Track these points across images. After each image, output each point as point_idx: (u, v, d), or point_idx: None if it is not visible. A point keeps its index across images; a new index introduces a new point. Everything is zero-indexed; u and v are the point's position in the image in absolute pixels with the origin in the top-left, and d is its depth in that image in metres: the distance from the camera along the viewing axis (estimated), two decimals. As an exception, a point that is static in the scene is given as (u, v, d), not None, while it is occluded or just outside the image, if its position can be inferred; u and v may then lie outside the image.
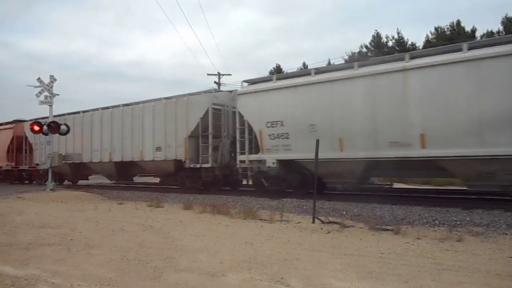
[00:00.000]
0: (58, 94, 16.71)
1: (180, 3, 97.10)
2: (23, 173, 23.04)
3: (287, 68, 41.49)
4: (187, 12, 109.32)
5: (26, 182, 23.09)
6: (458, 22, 30.52)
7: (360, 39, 73.51)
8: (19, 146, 22.46)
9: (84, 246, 6.03)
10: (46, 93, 16.43)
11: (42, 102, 16.49)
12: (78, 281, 4.33)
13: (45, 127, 16.09)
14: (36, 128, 16.35)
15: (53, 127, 16.04)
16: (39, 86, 16.36)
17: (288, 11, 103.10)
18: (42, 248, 5.96)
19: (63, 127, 16.49)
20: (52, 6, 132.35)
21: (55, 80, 16.63)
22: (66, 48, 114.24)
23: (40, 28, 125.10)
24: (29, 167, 21.66)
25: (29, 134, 20.45)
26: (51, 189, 15.74)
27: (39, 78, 16.38)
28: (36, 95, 16.40)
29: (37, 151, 20.66)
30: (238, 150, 13.16)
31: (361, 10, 79.18)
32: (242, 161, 13.03)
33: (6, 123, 24.14)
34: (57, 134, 16.67)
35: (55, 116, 17.90)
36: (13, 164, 22.81)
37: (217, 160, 13.98)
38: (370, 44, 34.24)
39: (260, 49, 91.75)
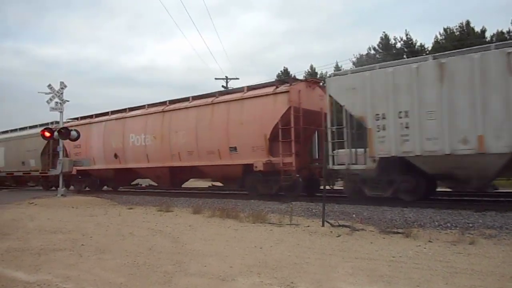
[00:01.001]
0: (68, 101, 16.98)
1: (191, 8, 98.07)
2: (304, 179, 12.67)
3: (295, 71, 41.55)
4: (199, 16, 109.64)
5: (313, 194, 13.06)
6: (468, 23, 30.29)
7: (370, 41, 73.36)
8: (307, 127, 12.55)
9: (95, 251, 6.07)
10: (56, 100, 16.65)
11: (52, 109, 16.70)
12: (90, 286, 4.35)
13: (56, 133, 16.30)
14: (47, 134, 16.57)
15: (64, 133, 16.23)
16: (50, 93, 16.58)
17: (297, 13, 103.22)
18: (54, 253, 6.01)
19: (73, 133, 16.66)
20: (64, 13, 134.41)
21: (65, 86, 16.86)
22: (78, 55, 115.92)
23: (53, 35, 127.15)
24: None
25: (345, 97, 10.89)
26: (62, 195, 15.91)
27: (49, 85, 16.61)
28: (47, 101, 16.62)
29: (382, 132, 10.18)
30: None
31: (371, 11, 79.06)
32: None
33: (263, 85, 13.60)
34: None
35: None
36: (289, 161, 11.96)
37: None
38: (378, 46, 34.13)
39: (270, 52, 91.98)
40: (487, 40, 26.87)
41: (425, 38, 71.60)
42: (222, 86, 35.70)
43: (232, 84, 35.05)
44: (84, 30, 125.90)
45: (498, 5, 49.92)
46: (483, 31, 29.74)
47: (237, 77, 63.72)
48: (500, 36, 27.08)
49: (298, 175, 12.46)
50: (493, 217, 7.88)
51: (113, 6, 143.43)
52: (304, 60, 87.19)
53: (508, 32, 28.26)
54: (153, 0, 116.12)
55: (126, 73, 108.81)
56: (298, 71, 58.18)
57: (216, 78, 36.41)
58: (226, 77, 36.05)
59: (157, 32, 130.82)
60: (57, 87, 16.70)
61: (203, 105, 14.60)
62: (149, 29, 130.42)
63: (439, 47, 27.17)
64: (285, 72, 40.27)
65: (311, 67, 38.44)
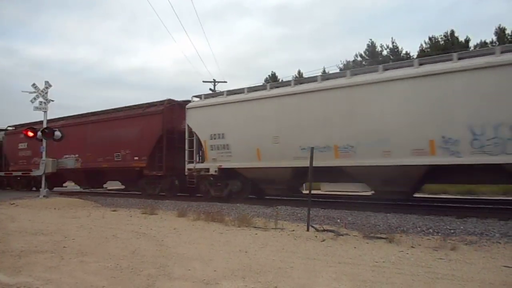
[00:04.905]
0: (52, 100, 16.70)
1: (189, 12, 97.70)
2: None
3: (283, 75, 41.70)
4: (194, 19, 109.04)
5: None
6: (452, 32, 30.89)
7: (362, 48, 74.08)
8: None
9: (77, 254, 5.98)
10: (40, 99, 16.38)
11: (36, 108, 16.42)
12: (71, 289, 4.29)
13: (39, 133, 16.01)
14: (30, 134, 16.28)
15: (47, 133, 15.97)
16: (34, 92, 16.31)
17: (292, 21, 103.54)
18: (35, 255, 5.90)
19: (57, 133, 16.40)
20: (57, 13, 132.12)
21: (50, 86, 16.60)
22: (70, 55, 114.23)
23: (44, 35, 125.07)
24: None
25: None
26: (44, 196, 15.63)
27: (34, 84, 16.35)
28: (31, 100, 16.35)
29: None
30: None
31: (363, 21, 79.73)
32: None
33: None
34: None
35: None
36: None
37: None
38: (365, 52, 34.57)
39: (263, 58, 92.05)
40: (470, 49, 27.41)
41: (412, 47, 72.69)
42: (210, 89, 35.72)
43: (220, 87, 35.10)
44: (77, 31, 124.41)
45: (483, 17, 51.14)
46: (467, 40, 30.39)
47: (232, 80, 63.78)
48: (483, 46, 27.67)
49: None
50: (474, 223, 8.03)
51: (107, 8, 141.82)
52: (297, 66, 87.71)
53: (492, 42, 28.90)
54: (149, 3, 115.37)
55: (118, 75, 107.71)
56: (286, 76, 58.43)
57: (204, 81, 36.54)
58: (214, 80, 36.15)
59: (151, 35, 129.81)
60: (42, 86, 16.45)
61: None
62: (144, 32, 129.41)
63: (425, 55, 27.64)
64: (273, 76, 40.45)
65: (299, 72, 38.67)
